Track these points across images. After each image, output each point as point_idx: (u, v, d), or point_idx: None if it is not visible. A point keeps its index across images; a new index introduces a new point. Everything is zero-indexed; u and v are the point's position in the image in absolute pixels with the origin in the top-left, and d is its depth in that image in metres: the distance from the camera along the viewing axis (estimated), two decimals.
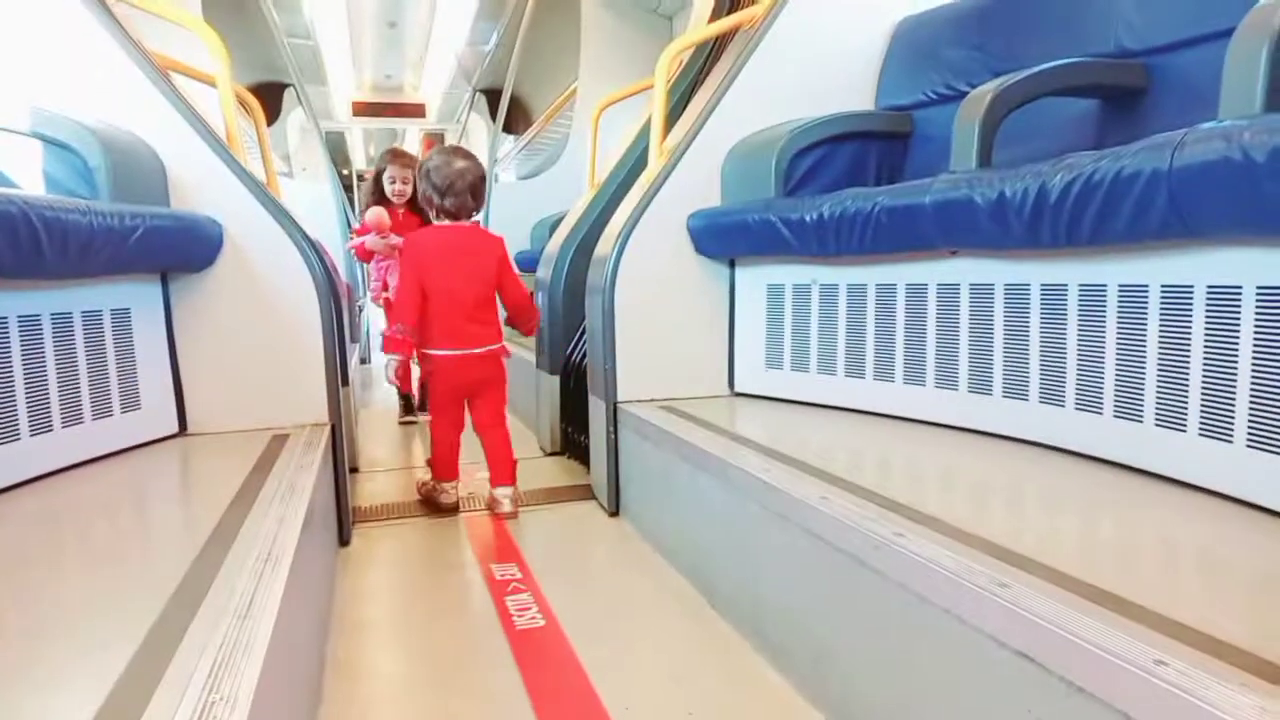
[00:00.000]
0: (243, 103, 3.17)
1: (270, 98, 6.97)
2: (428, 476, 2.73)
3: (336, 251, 5.00)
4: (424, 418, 3.88)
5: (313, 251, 2.28)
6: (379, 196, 3.73)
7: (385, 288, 3.74)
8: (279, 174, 3.80)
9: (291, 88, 7.17)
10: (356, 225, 4.59)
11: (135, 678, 0.88)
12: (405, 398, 4.14)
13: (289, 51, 6.78)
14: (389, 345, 2.48)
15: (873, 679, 1.27)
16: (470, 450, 2.71)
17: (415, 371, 3.01)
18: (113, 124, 2.08)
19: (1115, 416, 1.55)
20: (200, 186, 2.20)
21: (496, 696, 1.50)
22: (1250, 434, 1.29)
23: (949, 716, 1.10)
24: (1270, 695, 0.75)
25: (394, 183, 3.72)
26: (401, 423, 4.12)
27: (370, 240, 3.52)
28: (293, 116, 8.03)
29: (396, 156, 3.75)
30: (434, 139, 14.49)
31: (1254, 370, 1.28)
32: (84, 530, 1.47)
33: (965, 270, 1.88)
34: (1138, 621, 0.91)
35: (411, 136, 16.03)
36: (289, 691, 1.16)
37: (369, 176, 4.04)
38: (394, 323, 2.49)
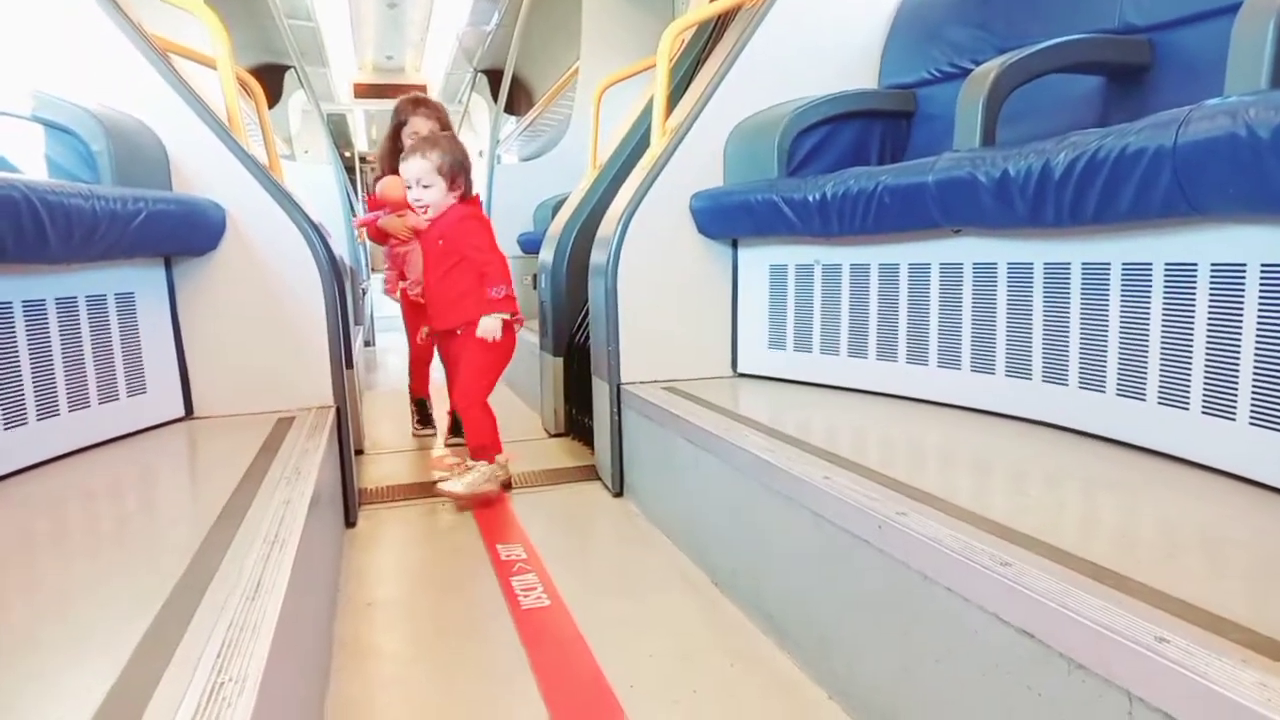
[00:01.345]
0: (244, 85, 3.16)
1: (271, 80, 6.94)
2: (468, 479, 2.46)
3: (340, 234, 4.99)
4: (427, 430, 3.40)
5: (316, 234, 2.28)
6: (396, 161, 2.84)
7: (403, 278, 3.08)
8: (281, 156, 3.78)
9: (293, 70, 7.14)
10: (369, 196, 3.10)
11: (145, 659, 0.89)
12: (420, 404, 3.44)
13: (289, 33, 6.75)
14: (506, 304, 2.45)
15: (875, 656, 1.28)
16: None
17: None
18: (114, 108, 2.07)
19: (1118, 395, 1.55)
20: (202, 170, 2.20)
21: (502, 676, 1.52)
22: (1254, 412, 1.29)
23: (950, 694, 1.11)
24: (1271, 671, 0.76)
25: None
26: (418, 435, 3.41)
27: (385, 220, 2.90)
28: (294, 99, 8.00)
29: (418, 105, 2.95)
30: None
31: (1257, 348, 1.28)
32: (92, 513, 1.48)
33: (968, 249, 1.87)
34: (1139, 599, 0.92)
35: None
36: (297, 671, 1.17)
37: (373, 159, 3.24)
38: (505, 284, 2.45)
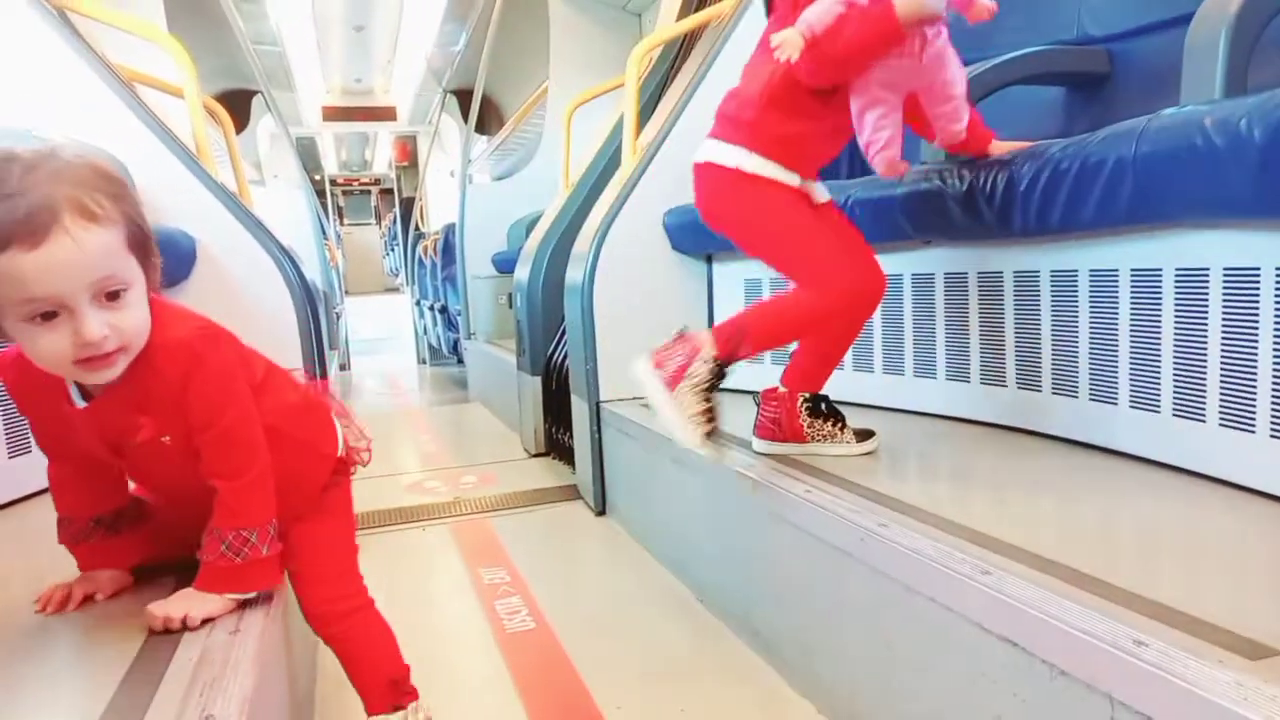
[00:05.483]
0: (211, 113, 3.14)
1: (238, 105, 6.89)
2: None
3: (312, 258, 4.95)
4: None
5: (288, 260, 2.27)
6: None
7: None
8: (251, 182, 3.75)
9: (260, 95, 7.10)
10: None
11: (126, 698, 0.87)
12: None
13: (255, 58, 6.72)
14: None
15: (861, 669, 1.29)
16: (464, 452, 2.67)
17: None
18: (80, 140, 2.05)
19: (1090, 399, 1.57)
20: (171, 201, 2.17)
21: (489, 701, 1.51)
22: (1222, 412, 1.32)
23: (936, 703, 1.12)
24: (1246, 671, 0.77)
25: None
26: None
27: None
28: (262, 123, 7.95)
29: None
30: (407, 142, 14.41)
31: (1223, 349, 1.30)
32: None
33: (939, 260, 1.90)
34: (1118, 604, 0.93)
35: (384, 140, 15.95)
36: (281, 704, 1.16)
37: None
38: None
